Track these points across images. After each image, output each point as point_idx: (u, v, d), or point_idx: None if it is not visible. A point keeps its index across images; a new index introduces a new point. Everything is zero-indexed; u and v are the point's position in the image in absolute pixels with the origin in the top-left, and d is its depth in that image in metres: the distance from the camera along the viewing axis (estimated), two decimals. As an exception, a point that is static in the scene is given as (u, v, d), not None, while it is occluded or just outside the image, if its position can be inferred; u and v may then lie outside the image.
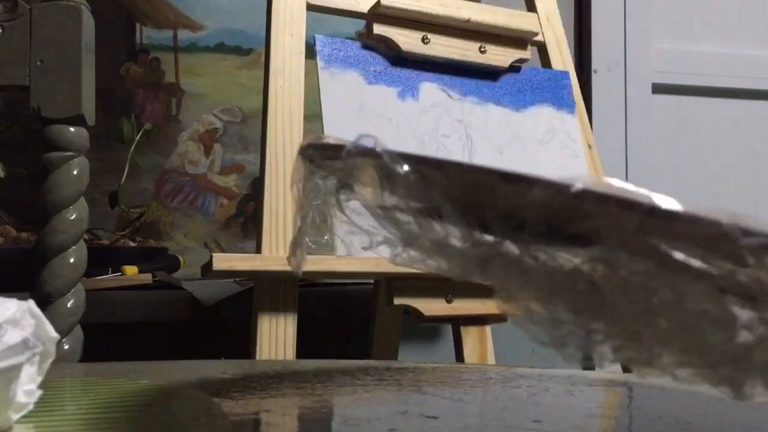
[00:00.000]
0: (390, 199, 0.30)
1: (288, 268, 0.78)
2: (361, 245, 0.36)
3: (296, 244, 0.36)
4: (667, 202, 0.22)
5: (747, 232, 0.21)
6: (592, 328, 0.26)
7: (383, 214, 0.32)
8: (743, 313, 0.22)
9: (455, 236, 0.28)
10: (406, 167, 0.26)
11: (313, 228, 0.36)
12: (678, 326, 0.23)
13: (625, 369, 0.92)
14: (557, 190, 0.23)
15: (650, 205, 0.22)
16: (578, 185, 0.22)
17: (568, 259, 0.25)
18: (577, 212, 0.23)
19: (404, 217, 0.31)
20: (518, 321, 0.28)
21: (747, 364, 0.23)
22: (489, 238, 0.26)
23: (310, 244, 0.37)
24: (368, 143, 0.28)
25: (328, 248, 0.37)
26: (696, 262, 0.22)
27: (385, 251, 0.36)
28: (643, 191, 0.22)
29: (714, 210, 0.21)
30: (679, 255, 0.21)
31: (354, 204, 0.34)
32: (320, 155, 0.32)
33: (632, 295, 0.23)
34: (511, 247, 0.26)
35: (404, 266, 0.36)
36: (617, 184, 0.23)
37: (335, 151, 0.30)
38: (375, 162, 0.27)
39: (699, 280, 0.22)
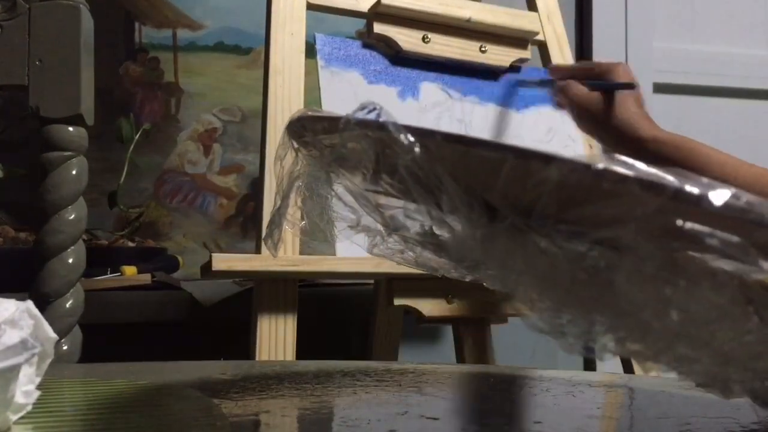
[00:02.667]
0: (384, 180, 0.28)
1: (289, 268, 0.78)
2: (339, 231, 0.35)
3: (273, 224, 0.35)
4: (694, 185, 0.21)
5: None
6: (594, 318, 0.25)
7: (369, 200, 0.31)
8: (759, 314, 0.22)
9: (453, 218, 0.26)
10: (411, 138, 0.25)
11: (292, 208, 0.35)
12: (689, 319, 0.22)
13: (626, 369, 0.92)
14: (576, 168, 0.22)
15: (676, 187, 0.20)
16: (600, 164, 0.21)
17: (575, 247, 0.23)
18: (595, 192, 0.22)
19: (393, 202, 0.30)
20: (517, 308, 0.27)
21: (754, 365, 0.23)
22: (492, 218, 0.25)
23: (286, 226, 0.36)
24: (371, 115, 0.26)
25: (305, 233, 0.36)
26: (721, 249, 0.21)
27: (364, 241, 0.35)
28: (667, 174, 0.21)
29: (743, 195, 0.20)
30: (710, 241, 0.20)
31: (337, 189, 0.33)
32: (313, 128, 0.30)
33: (644, 284, 0.23)
34: (516, 228, 0.25)
35: (381, 257, 0.35)
36: (639, 164, 0.22)
37: (331, 123, 0.28)
38: (375, 135, 0.26)
39: (718, 272, 0.21)
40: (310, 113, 0.31)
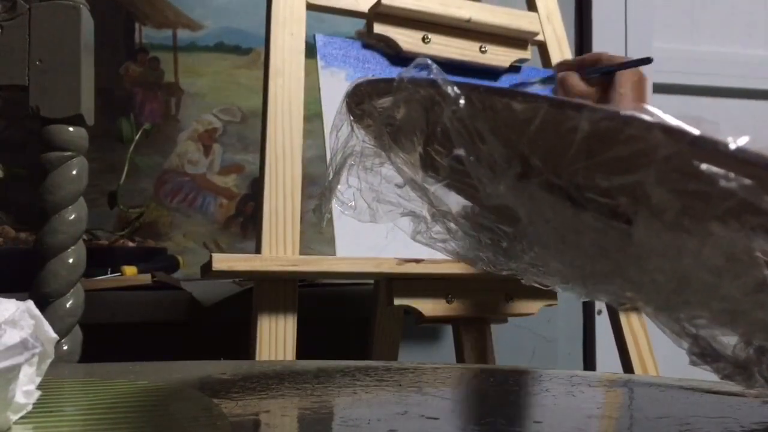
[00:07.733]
0: (431, 148, 0.30)
1: (289, 268, 0.78)
2: (385, 213, 0.35)
3: (324, 196, 0.36)
4: (714, 131, 0.22)
5: None
6: (611, 266, 0.26)
7: (416, 181, 0.32)
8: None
9: (491, 174, 0.28)
10: (457, 90, 0.28)
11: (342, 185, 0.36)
12: (700, 265, 0.24)
13: (626, 369, 0.92)
14: (605, 116, 0.24)
15: (696, 134, 0.22)
16: (628, 112, 0.23)
17: (601, 198, 0.25)
18: (622, 138, 0.23)
19: (438, 178, 0.31)
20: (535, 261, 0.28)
21: (761, 315, 0.23)
22: (527, 172, 0.27)
23: (334, 204, 0.36)
24: (423, 72, 0.29)
25: (352, 212, 0.36)
26: (735, 191, 0.22)
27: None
28: (691, 127, 0.22)
29: (759, 142, 0.22)
30: (724, 183, 0.22)
31: (387, 171, 0.34)
32: (370, 92, 0.32)
33: (661, 232, 0.24)
34: (548, 183, 0.27)
35: (424, 245, 0.36)
36: (663, 114, 0.23)
37: (386, 84, 0.31)
38: (425, 92, 0.29)
39: (732, 217, 0.22)
40: (369, 78, 0.33)
